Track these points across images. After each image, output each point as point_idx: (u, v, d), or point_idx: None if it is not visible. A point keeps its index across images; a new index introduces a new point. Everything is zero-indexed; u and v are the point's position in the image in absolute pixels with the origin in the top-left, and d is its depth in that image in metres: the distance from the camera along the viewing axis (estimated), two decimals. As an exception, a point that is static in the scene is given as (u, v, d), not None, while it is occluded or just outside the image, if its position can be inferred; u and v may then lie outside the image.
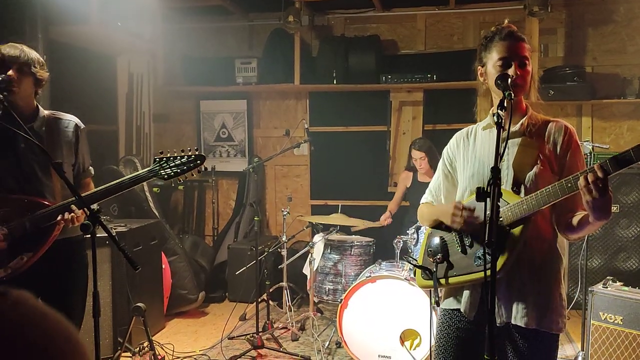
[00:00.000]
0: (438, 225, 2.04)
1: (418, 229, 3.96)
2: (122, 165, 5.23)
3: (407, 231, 3.99)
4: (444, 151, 2.16)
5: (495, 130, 1.93)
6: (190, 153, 2.42)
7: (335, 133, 5.90)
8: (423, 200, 2.25)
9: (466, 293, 1.94)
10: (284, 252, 4.65)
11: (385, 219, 4.80)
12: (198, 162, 2.42)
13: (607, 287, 3.28)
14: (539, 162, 1.86)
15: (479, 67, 2.00)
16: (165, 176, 2.40)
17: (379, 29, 5.80)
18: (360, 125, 5.86)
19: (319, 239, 4.49)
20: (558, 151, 1.89)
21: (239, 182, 6.13)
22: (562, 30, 5.43)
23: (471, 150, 2.03)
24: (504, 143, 1.68)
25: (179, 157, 2.41)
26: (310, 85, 5.70)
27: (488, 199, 1.56)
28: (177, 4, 5.55)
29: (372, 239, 4.55)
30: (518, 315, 1.84)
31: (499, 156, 1.60)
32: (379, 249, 4.58)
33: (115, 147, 5.85)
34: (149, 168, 2.42)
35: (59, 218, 2.34)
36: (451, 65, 5.50)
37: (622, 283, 3.33)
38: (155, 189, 5.33)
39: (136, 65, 6.01)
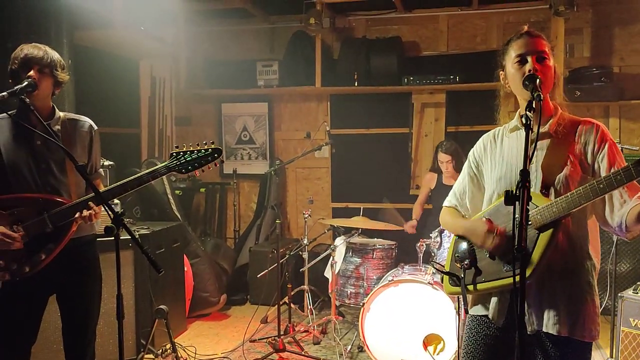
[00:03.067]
0: (460, 238, 2.01)
1: (441, 232, 3.91)
2: (145, 168, 5.27)
3: (430, 235, 3.94)
4: (470, 154, 2.13)
5: (522, 133, 1.90)
6: (206, 147, 2.42)
7: (357, 135, 5.87)
8: (446, 203, 2.21)
9: (494, 299, 1.90)
10: (305, 255, 4.64)
11: (410, 227, 4.74)
12: (215, 155, 2.41)
13: (637, 293, 3.20)
14: (569, 163, 1.81)
15: (501, 72, 1.99)
16: (183, 170, 2.40)
17: (400, 30, 5.76)
18: (382, 128, 5.82)
19: (340, 242, 4.47)
20: (590, 151, 1.83)
21: (260, 184, 6.13)
22: (588, 29, 5.32)
23: (498, 153, 1.99)
24: (533, 145, 1.63)
25: (195, 151, 2.41)
26: (331, 88, 5.68)
27: (517, 202, 1.52)
28: (199, 7, 5.59)
29: (394, 242, 4.50)
30: (549, 323, 1.79)
31: (527, 158, 1.56)
32: (401, 252, 4.54)
33: (137, 150, 5.90)
34: (165, 163, 2.42)
35: (77, 215, 2.36)
36: (474, 66, 5.43)
37: (653, 288, 3.24)
38: (177, 192, 5.37)
39: (159, 68, 6.06)
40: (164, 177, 5.22)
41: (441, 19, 5.67)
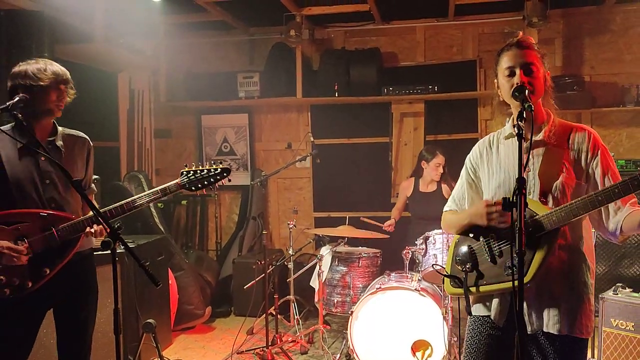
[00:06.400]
0: (467, 231, 2.05)
1: (426, 239, 3.97)
2: (127, 181, 5.24)
3: (415, 242, 4.00)
4: (467, 160, 2.19)
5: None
6: (215, 166, 2.57)
7: (337, 145, 5.93)
8: (446, 208, 2.27)
9: (495, 300, 1.97)
10: (291, 265, 4.66)
11: (388, 225, 4.79)
12: (224, 174, 2.56)
13: (617, 294, 3.31)
14: (564, 170, 1.89)
15: (495, 80, 2.06)
16: (192, 188, 2.54)
17: (379, 41, 5.85)
18: (362, 137, 5.89)
19: (326, 251, 4.50)
20: (584, 158, 1.91)
21: (242, 196, 6.13)
22: (559, 40, 5.50)
23: (495, 160, 2.06)
24: (527, 153, 1.71)
25: (205, 170, 2.55)
26: (312, 99, 5.74)
27: (515, 209, 1.59)
28: (178, 20, 5.60)
29: (379, 250, 4.55)
30: (550, 323, 1.87)
31: (522, 167, 1.63)
32: (385, 260, 4.59)
33: (116, 163, 5.85)
34: (177, 181, 2.53)
35: (87, 230, 2.40)
36: (451, 76, 5.57)
37: (631, 289, 3.35)
38: (159, 204, 5.33)
39: (137, 81, 6.03)
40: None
41: (418, 30, 5.79)
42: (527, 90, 1.84)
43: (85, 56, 4.88)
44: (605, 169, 1.89)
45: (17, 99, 2.30)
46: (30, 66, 2.40)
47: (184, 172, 2.55)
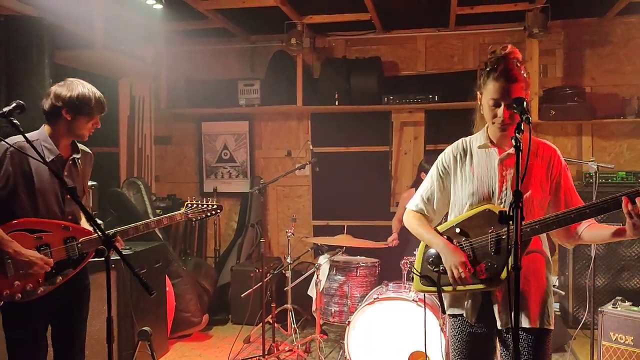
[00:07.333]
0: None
1: (424, 249, 3.95)
2: (126, 187, 5.22)
3: (414, 252, 3.97)
4: (439, 161, 2.23)
5: (490, 150, 2.09)
6: (211, 203, 3.05)
7: (337, 153, 5.93)
8: (413, 207, 2.29)
9: (468, 300, 2.07)
10: (289, 274, 4.63)
11: (392, 240, 4.81)
12: (218, 210, 3.07)
13: (616, 307, 3.29)
14: (533, 183, 1.99)
15: (478, 93, 2.12)
16: (193, 219, 3.03)
17: (379, 50, 5.86)
18: (362, 146, 5.89)
19: (324, 260, 4.47)
20: (549, 174, 2.04)
21: (241, 203, 6.12)
22: (560, 51, 5.51)
23: (468, 168, 2.11)
24: (524, 166, 1.73)
25: (204, 205, 3.04)
26: (312, 107, 5.74)
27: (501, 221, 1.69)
28: (179, 27, 5.60)
29: (378, 260, 4.53)
30: (521, 318, 1.96)
31: (519, 180, 1.64)
32: (384, 270, 4.57)
33: (116, 169, 5.84)
34: (181, 212, 3.00)
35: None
36: (451, 85, 5.56)
37: (631, 303, 3.33)
38: (158, 211, 5.32)
39: (138, 87, 6.04)
40: (145, 196, 5.20)
41: (419, 40, 5.80)
42: (525, 102, 1.85)
43: (86, 62, 4.88)
44: (565, 186, 2.04)
45: (14, 105, 2.29)
46: (79, 89, 2.49)
47: (189, 204, 3.02)
